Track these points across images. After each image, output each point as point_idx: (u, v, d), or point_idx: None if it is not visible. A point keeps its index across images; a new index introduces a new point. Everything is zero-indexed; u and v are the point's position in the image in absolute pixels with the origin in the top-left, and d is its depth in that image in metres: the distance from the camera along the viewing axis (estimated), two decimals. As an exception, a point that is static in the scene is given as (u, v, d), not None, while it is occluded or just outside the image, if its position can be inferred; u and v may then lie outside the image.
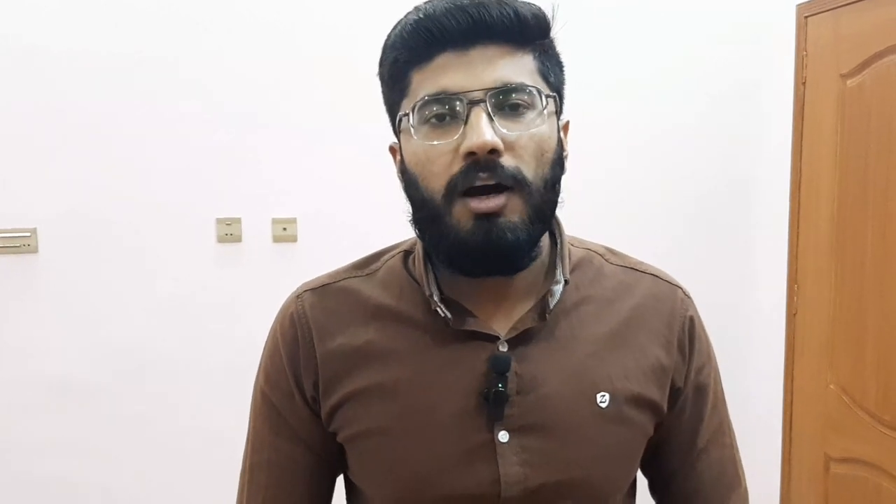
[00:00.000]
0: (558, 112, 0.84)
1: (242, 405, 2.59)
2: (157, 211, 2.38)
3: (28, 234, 2.31)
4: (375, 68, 2.55)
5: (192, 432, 2.44)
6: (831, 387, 2.40)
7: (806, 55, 2.47)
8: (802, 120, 2.50)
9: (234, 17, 2.38)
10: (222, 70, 2.39)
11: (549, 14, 0.82)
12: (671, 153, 2.73)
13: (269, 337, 0.93)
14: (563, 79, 0.86)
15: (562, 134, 0.85)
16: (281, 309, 0.93)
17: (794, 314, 2.56)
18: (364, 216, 2.48)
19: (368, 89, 2.57)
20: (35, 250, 2.32)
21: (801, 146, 2.50)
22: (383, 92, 0.87)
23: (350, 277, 0.92)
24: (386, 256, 0.94)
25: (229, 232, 2.43)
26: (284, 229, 2.47)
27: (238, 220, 2.44)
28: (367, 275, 0.92)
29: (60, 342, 2.35)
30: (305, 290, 0.92)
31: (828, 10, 2.37)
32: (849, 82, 2.31)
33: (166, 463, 2.44)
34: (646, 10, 2.65)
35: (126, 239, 2.37)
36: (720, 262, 2.77)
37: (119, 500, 2.42)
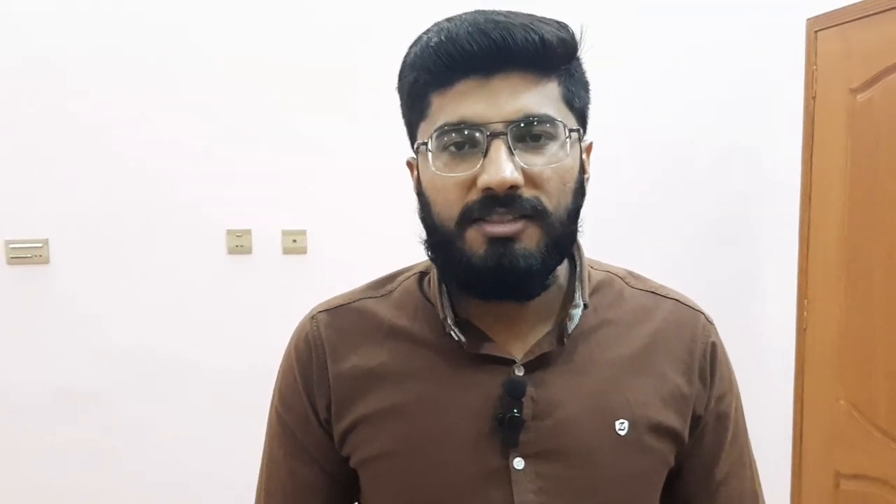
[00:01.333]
0: (581, 138, 0.81)
1: (252, 415, 2.59)
2: (167, 222, 2.40)
3: (40, 244, 2.33)
4: (386, 82, 2.55)
5: (203, 441, 2.46)
6: (841, 402, 2.39)
7: (816, 70, 2.47)
8: (812, 134, 2.49)
9: (247, 31, 2.41)
10: (233, 83, 2.41)
11: (576, 34, 0.79)
12: (681, 167, 2.73)
13: (283, 358, 0.92)
14: (589, 98, 0.83)
15: (584, 156, 0.83)
16: (295, 330, 0.92)
17: (804, 329, 2.55)
18: (373, 228, 2.49)
19: (379, 102, 2.59)
20: (47, 261, 2.34)
21: (811, 160, 2.50)
22: (402, 107, 0.85)
23: (365, 298, 0.91)
24: (401, 277, 0.92)
25: (240, 244, 2.45)
26: (294, 241, 2.48)
27: (248, 232, 2.45)
28: (383, 296, 0.90)
29: (71, 351, 2.37)
30: (320, 311, 0.91)
31: (838, 25, 2.37)
32: (858, 97, 2.31)
33: (176, 471, 2.45)
34: (656, 24, 2.66)
35: (137, 250, 2.39)
36: (730, 277, 2.76)
37: (127, 509, 2.43)
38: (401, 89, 0.84)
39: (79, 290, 2.36)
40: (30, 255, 2.32)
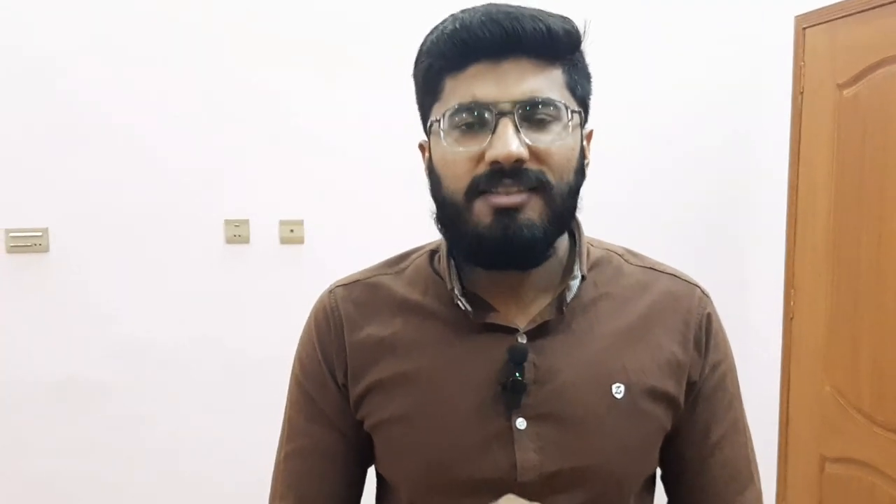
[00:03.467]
0: (583, 123, 0.87)
1: (250, 403, 2.64)
2: (166, 212, 2.42)
3: (39, 233, 2.35)
4: (384, 72, 2.61)
5: (201, 431, 2.48)
6: (827, 389, 2.45)
7: (804, 65, 2.52)
8: (800, 128, 2.55)
9: (244, 21, 2.43)
10: (232, 73, 2.43)
11: (580, 28, 0.85)
12: (671, 160, 2.78)
13: (304, 329, 0.97)
14: (590, 90, 0.89)
15: (585, 143, 0.88)
16: (315, 303, 0.98)
17: (791, 318, 2.61)
18: (370, 218, 2.53)
19: (376, 93, 2.63)
20: (46, 249, 2.36)
21: (799, 154, 2.55)
22: (416, 92, 0.90)
23: (380, 275, 0.96)
24: (414, 255, 0.98)
25: (237, 233, 2.48)
26: (292, 231, 2.51)
27: (246, 222, 2.48)
28: (396, 273, 0.96)
29: (70, 340, 2.38)
30: (338, 286, 0.97)
31: (825, 22, 2.43)
32: (845, 92, 2.36)
33: (174, 461, 2.47)
34: (645, 22, 2.71)
35: (136, 239, 2.41)
36: (719, 268, 2.81)
37: (127, 498, 2.45)
38: (416, 75, 0.89)
39: (78, 279, 2.38)
40: (29, 243, 2.34)
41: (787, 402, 2.62)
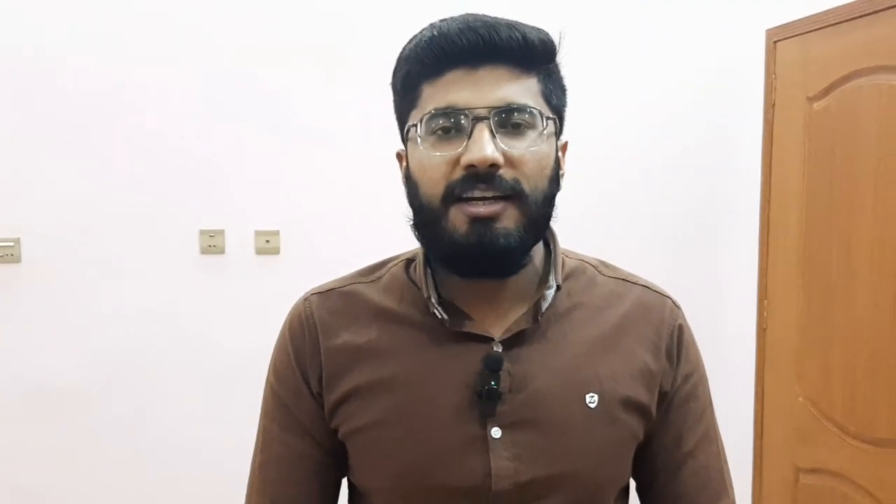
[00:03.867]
0: (558, 133, 0.88)
1: (224, 414, 2.61)
2: (140, 222, 2.40)
3: (11, 243, 2.32)
4: (358, 83, 2.60)
5: (174, 441, 2.46)
6: (800, 399, 2.47)
7: (775, 79, 2.56)
8: (771, 141, 2.58)
9: (219, 29, 2.42)
10: (206, 82, 2.42)
11: (555, 40, 0.87)
12: (643, 172, 2.80)
13: (278, 337, 0.98)
14: (565, 102, 0.91)
15: (560, 154, 0.90)
16: (289, 311, 0.98)
17: (764, 329, 2.63)
18: (346, 229, 2.52)
19: (352, 103, 2.63)
20: (18, 260, 2.33)
21: (771, 165, 2.58)
22: (394, 101, 0.91)
23: (355, 283, 0.97)
24: (390, 265, 0.99)
25: (213, 244, 2.46)
26: (267, 241, 2.50)
27: (221, 232, 2.47)
28: (372, 281, 0.97)
29: (43, 351, 2.36)
30: (313, 294, 0.97)
31: (796, 36, 2.46)
32: (815, 105, 2.40)
33: (147, 471, 2.45)
34: (616, 35, 2.73)
35: (109, 250, 2.39)
36: (692, 279, 2.84)
37: (98, 509, 2.42)
38: (394, 83, 0.91)
39: (50, 289, 2.36)
40: (1, 253, 2.31)
41: (762, 413, 2.64)
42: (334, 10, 2.50)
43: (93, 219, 2.37)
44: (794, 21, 2.46)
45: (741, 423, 2.67)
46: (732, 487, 0.99)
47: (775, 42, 2.55)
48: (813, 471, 2.44)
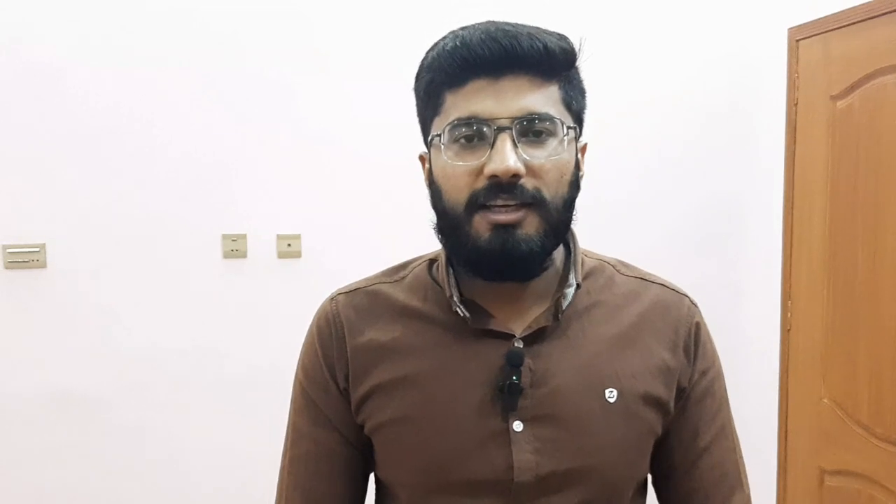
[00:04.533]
0: (577, 137, 0.90)
1: (248, 416, 2.63)
2: (163, 227, 2.43)
3: (37, 249, 2.35)
4: (380, 88, 2.62)
5: (198, 445, 2.48)
6: (825, 400, 2.45)
7: (797, 77, 2.54)
8: (795, 140, 2.56)
9: (241, 35, 2.44)
10: (228, 88, 2.44)
11: (575, 46, 0.88)
12: (666, 171, 2.79)
13: (306, 336, 1.01)
14: (585, 104, 0.92)
15: (579, 156, 0.92)
16: (317, 311, 1.01)
17: (788, 330, 2.61)
18: (367, 232, 2.53)
19: (373, 108, 2.64)
20: (44, 265, 2.36)
21: (794, 165, 2.56)
22: (417, 105, 0.94)
23: (380, 283, 1.00)
24: (413, 265, 1.02)
25: (235, 248, 2.48)
26: (289, 245, 2.52)
27: (243, 237, 2.49)
28: (396, 281, 0.99)
29: (68, 355, 2.38)
30: (339, 294, 1.00)
31: (818, 34, 2.44)
32: (839, 104, 2.37)
33: (172, 474, 2.47)
34: (639, 34, 2.73)
35: (133, 254, 2.41)
36: (715, 280, 2.82)
37: (124, 512, 2.45)
38: (417, 89, 0.93)
39: (76, 294, 2.39)
40: (27, 259, 2.34)
41: (786, 415, 2.62)
42: (358, 15, 2.51)
43: (117, 224, 2.39)
44: (816, 20, 2.44)
45: (766, 425, 2.65)
46: (748, 482, 1.00)
47: (797, 41, 2.53)
48: (838, 473, 2.41)
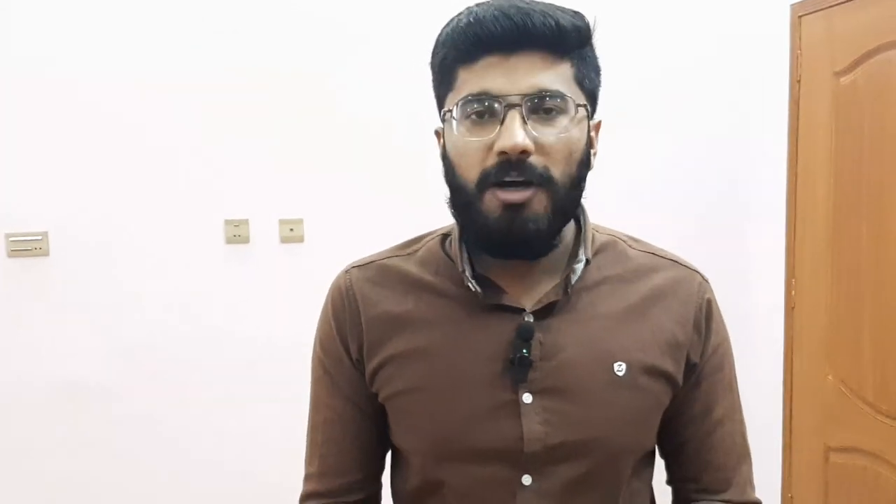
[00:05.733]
0: (590, 115, 0.90)
1: (254, 402, 2.63)
2: (166, 213, 2.42)
3: (39, 237, 2.35)
4: (381, 72, 2.60)
5: (203, 431, 2.48)
6: (830, 378, 2.45)
7: (800, 54, 2.52)
8: (798, 117, 2.55)
9: (241, 20, 2.43)
10: (228, 73, 2.43)
11: (590, 24, 0.88)
12: (668, 151, 2.77)
13: (322, 310, 1.02)
14: (599, 82, 0.93)
15: (593, 133, 0.93)
16: (331, 284, 1.02)
17: (793, 308, 2.60)
18: (369, 216, 2.53)
19: (373, 91, 2.62)
20: (46, 253, 2.36)
21: (797, 143, 2.55)
22: (433, 81, 0.94)
23: (393, 256, 1.01)
24: (426, 239, 1.03)
25: (237, 233, 2.48)
26: (291, 230, 2.51)
27: (246, 222, 2.48)
28: (409, 254, 1.01)
29: (71, 343, 2.38)
30: (353, 267, 1.02)
31: (821, 10, 2.42)
32: (842, 80, 2.36)
33: (177, 461, 2.47)
34: (639, 14, 2.70)
35: (136, 241, 2.41)
36: (719, 259, 2.81)
37: (131, 499, 2.46)
38: (432, 65, 0.93)
39: (79, 281, 2.38)
40: (30, 247, 2.34)
41: (791, 393, 2.62)
42: (359, 1, 2.50)
43: (119, 211, 2.39)
44: (819, -5, 2.43)
45: (770, 403, 2.66)
46: (750, 449, 1.05)
47: (800, 17, 2.51)
48: (843, 450, 2.42)
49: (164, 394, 2.45)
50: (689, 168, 2.79)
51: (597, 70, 0.92)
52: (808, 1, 2.48)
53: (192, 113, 2.41)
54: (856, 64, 2.30)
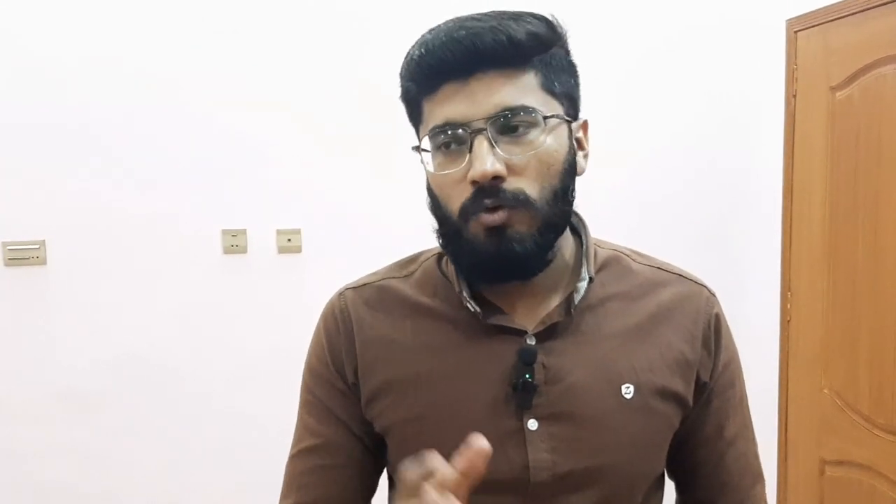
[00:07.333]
0: (573, 116, 0.87)
1: (248, 413, 2.62)
2: (163, 222, 2.42)
3: (37, 246, 2.34)
4: (378, 81, 2.61)
5: (198, 441, 2.47)
6: (825, 391, 2.45)
7: (796, 69, 2.54)
8: (794, 131, 2.56)
9: (239, 33, 2.43)
10: (227, 83, 2.43)
11: (553, 23, 0.85)
12: (664, 164, 2.78)
13: (314, 333, 0.99)
14: (574, 81, 0.88)
15: (580, 135, 0.89)
16: (325, 306, 0.98)
17: (788, 321, 2.61)
18: (367, 226, 2.53)
19: (371, 101, 2.64)
20: (44, 262, 2.35)
21: (793, 156, 2.57)
22: (406, 113, 0.92)
23: (389, 278, 0.98)
24: (422, 258, 0.99)
25: (235, 243, 2.48)
26: (289, 240, 2.51)
27: (243, 232, 2.48)
28: (405, 276, 0.97)
29: (68, 352, 2.38)
30: (347, 289, 0.98)
31: (817, 25, 2.44)
32: (838, 95, 2.38)
33: (172, 470, 2.46)
34: (635, 26, 2.71)
35: (133, 250, 2.40)
36: (715, 271, 2.79)
37: (126, 508, 2.45)
38: (401, 98, 0.91)
39: (76, 290, 2.38)
40: (27, 256, 2.34)
41: (786, 405, 2.63)
42: (358, 8, 2.50)
43: (117, 220, 2.39)
44: (815, 10, 2.44)
45: (766, 415, 2.66)
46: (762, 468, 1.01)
47: (796, 32, 2.53)
48: (839, 463, 2.42)
49: (159, 403, 2.45)
50: (685, 181, 2.80)
51: (568, 70, 0.87)
52: (804, 16, 2.50)
53: (191, 122, 2.41)
54: (851, 79, 2.32)
